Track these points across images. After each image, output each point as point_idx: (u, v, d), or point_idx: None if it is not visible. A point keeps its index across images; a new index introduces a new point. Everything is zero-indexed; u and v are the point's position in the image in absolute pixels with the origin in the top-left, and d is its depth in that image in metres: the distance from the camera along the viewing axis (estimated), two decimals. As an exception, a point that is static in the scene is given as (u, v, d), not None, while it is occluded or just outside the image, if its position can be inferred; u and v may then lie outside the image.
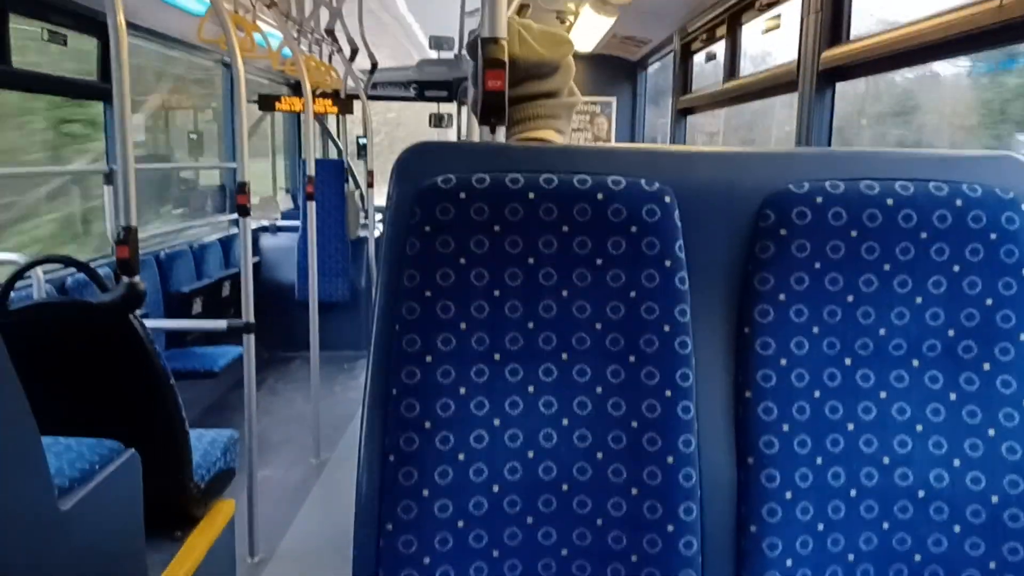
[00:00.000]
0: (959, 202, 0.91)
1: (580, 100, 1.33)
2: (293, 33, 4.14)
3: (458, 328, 0.90)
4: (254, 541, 2.93)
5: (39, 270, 2.54)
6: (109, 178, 3.72)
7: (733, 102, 3.34)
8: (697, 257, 0.93)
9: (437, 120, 6.28)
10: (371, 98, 5.55)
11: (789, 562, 0.91)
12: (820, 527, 0.91)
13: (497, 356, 0.91)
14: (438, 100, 6.22)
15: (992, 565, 0.91)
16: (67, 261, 2.34)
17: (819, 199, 0.91)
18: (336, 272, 5.43)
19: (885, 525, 0.92)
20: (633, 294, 0.91)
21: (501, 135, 1.21)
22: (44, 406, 1.39)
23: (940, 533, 0.91)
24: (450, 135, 6.40)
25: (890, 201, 0.91)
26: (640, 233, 0.90)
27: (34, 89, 3.38)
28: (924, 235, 0.91)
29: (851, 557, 0.92)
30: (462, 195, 0.89)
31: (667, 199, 0.91)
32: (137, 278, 1.92)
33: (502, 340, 0.91)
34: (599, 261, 0.91)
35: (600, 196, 0.90)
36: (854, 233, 0.91)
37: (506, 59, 1.17)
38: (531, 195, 0.90)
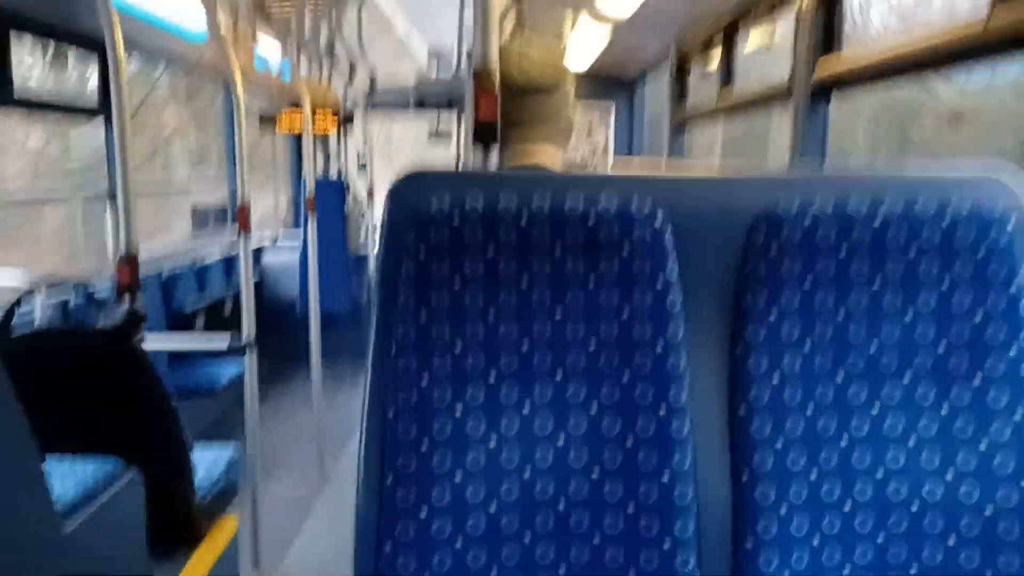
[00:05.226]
0: (948, 220, 0.92)
1: (577, 126, 1.35)
2: (293, 53, 4.18)
3: (453, 350, 0.92)
4: (258, 557, 2.92)
5: (40, 294, 2.56)
6: (113, 198, 3.74)
7: (729, 114, 3.36)
8: (689, 277, 0.94)
9: (437, 134, 6.32)
10: (371, 108, 5.58)
11: None
12: (816, 541, 0.92)
13: (492, 377, 0.92)
14: (438, 111, 6.25)
15: None
16: (66, 282, 2.36)
17: (808, 218, 0.93)
18: (338, 288, 5.44)
19: (880, 538, 0.92)
20: (626, 315, 0.92)
21: (494, 159, 1.23)
22: (45, 429, 1.40)
23: (935, 545, 0.92)
24: (450, 150, 6.43)
25: (879, 220, 0.92)
26: (632, 255, 0.92)
27: (34, 110, 3.41)
28: (913, 253, 0.92)
29: (847, 570, 0.92)
30: (456, 219, 0.91)
31: (658, 221, 0.93)
32: (138, 302, 1.93)
33: (497, 361, 0.92)
34: (592, 282, 0.92)
35: (592, 219, 0.92)
36: (843, 251, 0.92)
37: (497, 89, 1.20)
38: (524, 220, 0.91)
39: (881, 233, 0.92)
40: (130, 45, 2.06)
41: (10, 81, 2.94)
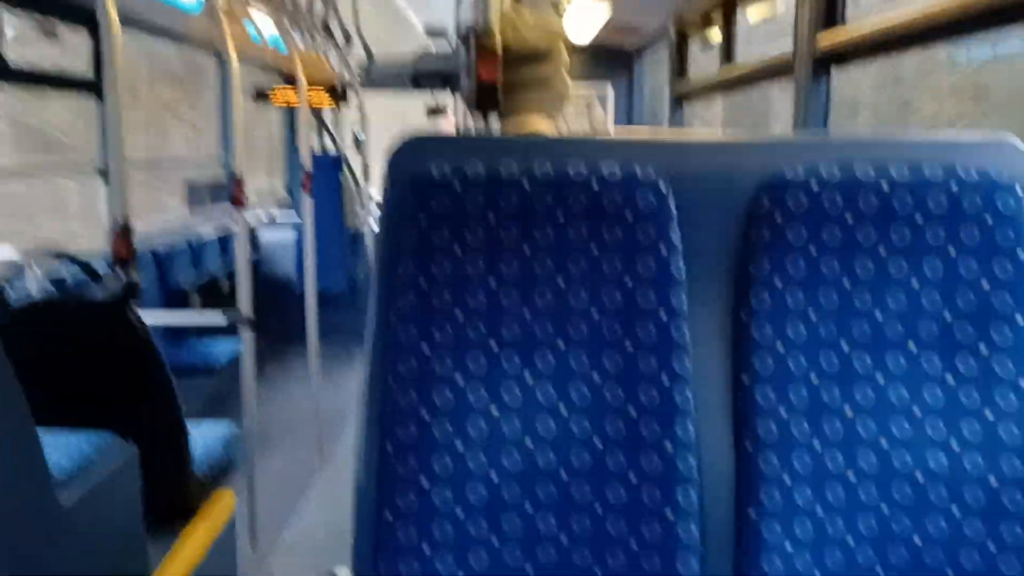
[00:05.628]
0: (954, 186, 0.91)
1: (571, 90, 1.34)
2: (288, 26, 4.12)
3: (455, 318, 0.90)
4: (256, 533, 2.93)
5: (36, 266, 2.54)
6: (105, 174, 3.70)
7: (730, 88, 3.33)
8: (693, 244, 0.93)
9: (434, 110, 6.28)
10: (368, 87, 5.53)
11: (788, 546, 0.91)
12: (819, 511, 0.92)
13: (494, 345, 0.91)
14: (434, 89, 6.21)
15: (991, 546, 0.91)
16: (63, 256, 2.35)
17: (814, 184, 0.91)
18: (334, 265, 5.43)
19: (884, 508, 0.92)
20: (629, 282, 0.91)
21: (495, 123, 1.21)
22: (42, 402, 1.39)
23: (939, 515, 0.92)
24: (447, 126, 6.39)
25: (885, 186, 0.91)
26: (635, 221, 0.90)
27: (26, 83, 3.36)
28: (920, 219, 0.91)
29: (850, 540, 0.92)
30: (457, 186, 0.89)
31: (662, 187, 0.91)
32: (133, 273, 1.92)
33: (499, 329, 0.91)
34: (595, 250, 0.91)
35: (595, 185, 0.90)
36: (849, 218, 0.91)
37: (499, 50, 1.18)
38: (526, 185, 0.90)
39: (887, 199, 0.91)
40: (122, 17, 2.02)
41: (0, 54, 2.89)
